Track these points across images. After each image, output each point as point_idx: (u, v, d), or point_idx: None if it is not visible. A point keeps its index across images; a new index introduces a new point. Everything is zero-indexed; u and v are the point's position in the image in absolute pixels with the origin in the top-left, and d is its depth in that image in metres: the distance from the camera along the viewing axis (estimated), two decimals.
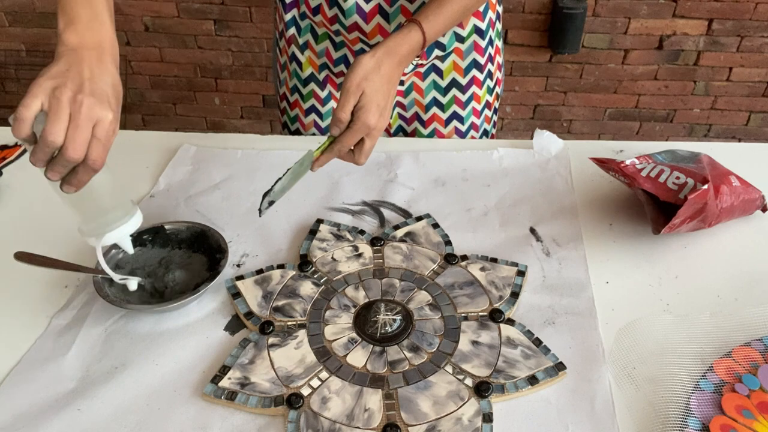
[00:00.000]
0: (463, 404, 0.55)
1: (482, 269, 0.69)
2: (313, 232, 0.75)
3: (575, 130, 2.33)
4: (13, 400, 0.57)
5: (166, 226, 0.72)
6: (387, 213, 0.79)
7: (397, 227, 0.75)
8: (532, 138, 0.90)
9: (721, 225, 0.74)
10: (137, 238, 0.71)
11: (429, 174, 0.85)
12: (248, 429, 0.55)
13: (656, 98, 2.22)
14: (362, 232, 0.75)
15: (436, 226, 0.76)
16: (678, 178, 0.71)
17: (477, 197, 0.81)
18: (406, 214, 0.79)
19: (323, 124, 1.01)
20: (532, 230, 0.75)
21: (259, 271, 0.70)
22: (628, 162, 0.75)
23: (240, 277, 0.69)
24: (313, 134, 1.01)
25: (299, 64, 0.97)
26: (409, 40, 0.72)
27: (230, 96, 2.30)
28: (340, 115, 0.68)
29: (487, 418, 0.54)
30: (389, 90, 0.70)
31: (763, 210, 0.76)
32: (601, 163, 0.77)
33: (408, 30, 0.72)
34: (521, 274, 0.68)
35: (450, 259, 0.70)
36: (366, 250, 0.72)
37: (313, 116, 1.01)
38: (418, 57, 0.89)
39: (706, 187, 0.67)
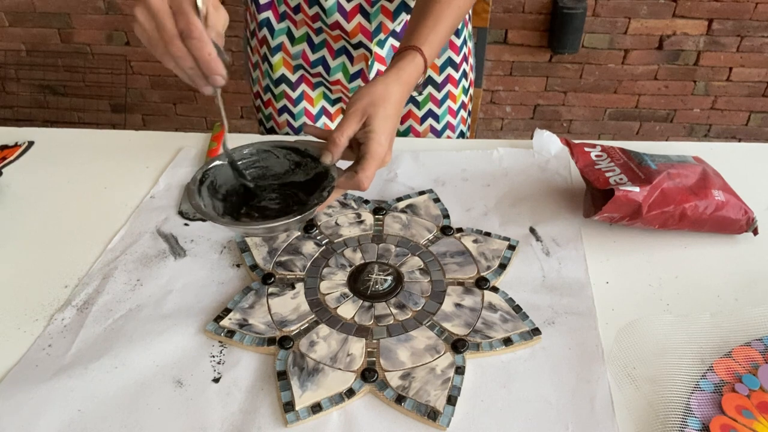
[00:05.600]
0: (439, 357, 0.59)
1: (475, 241, 0.72)
2: None
3: (575, 130, 2.34)
4: (12, 400, 0.57)
5: (267, 147, 0.69)
6: None
7: (399, 199, 0.79)
8: (532, 138, 0.90)
9: None
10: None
11: (429, 174, 0.85)
12: (248, 429, 0.55)
13: (656, 98, 2.22)
14: (366, 201, 0.79)
15: (437, 200, 0.79)
16: (621, 178, 0.72)
17: (477, 197, 0.81)
18: None
19: (296, 124, 1.02)
20: (532, 230, 0.75)
21: None
22: (593, 155, 0.76)
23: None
24: (287, 134, 1.02)
25: (270, 65, 0.97)
26: (415, 67, 0.68)
27: (230, 96, 2.30)
28: (337, 137, 0.62)
29: (460, 370, 0.57)
30: (396, 120, 0.65)
31: (755, 233, 0.72)
32: (568, 145, 0.78)
33: (413, 57, 0.68)
34: (512, 248, 0.71)
35: (446, 230, 0.73)
36: (368, 217, 0.76)
37: (286, 116, 1.01)
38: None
39: (638, 190, 0.68)
